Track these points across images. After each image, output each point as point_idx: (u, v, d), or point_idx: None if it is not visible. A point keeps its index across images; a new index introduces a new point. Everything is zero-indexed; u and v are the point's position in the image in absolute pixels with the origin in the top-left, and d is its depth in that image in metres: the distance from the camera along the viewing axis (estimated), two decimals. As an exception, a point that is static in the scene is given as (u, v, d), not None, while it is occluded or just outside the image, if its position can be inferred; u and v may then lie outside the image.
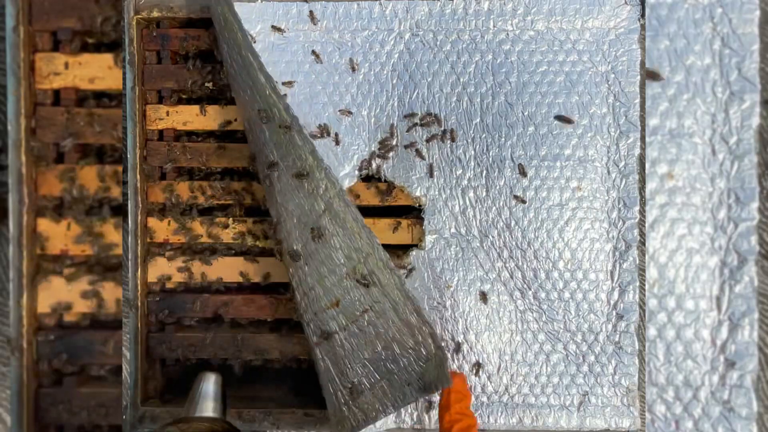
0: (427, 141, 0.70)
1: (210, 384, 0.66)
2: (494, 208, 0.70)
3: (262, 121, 0.69)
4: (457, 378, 0.64)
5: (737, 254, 0.68)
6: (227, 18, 0.69)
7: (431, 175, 0.70)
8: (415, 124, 0.70)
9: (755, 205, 0.68)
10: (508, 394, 0.69)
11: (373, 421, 0.67)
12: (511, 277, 0.69)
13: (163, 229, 0.74)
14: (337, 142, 0.70)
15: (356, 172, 0.71)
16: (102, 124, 0.71)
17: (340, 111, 0.71)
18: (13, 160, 0.69)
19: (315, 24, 0.70)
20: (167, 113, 0.74)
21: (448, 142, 0.70)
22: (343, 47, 0.70)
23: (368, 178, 0.72)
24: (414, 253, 0.71)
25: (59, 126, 0.71)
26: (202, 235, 0.74)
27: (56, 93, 0.72)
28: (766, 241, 0.68)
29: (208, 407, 0.64)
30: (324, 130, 0.71)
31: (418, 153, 0.70)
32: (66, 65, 0.71)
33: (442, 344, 0.68)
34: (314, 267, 0.69)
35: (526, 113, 0.70)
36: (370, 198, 0.72)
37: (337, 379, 0.69)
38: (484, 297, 0.69)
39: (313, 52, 0.71)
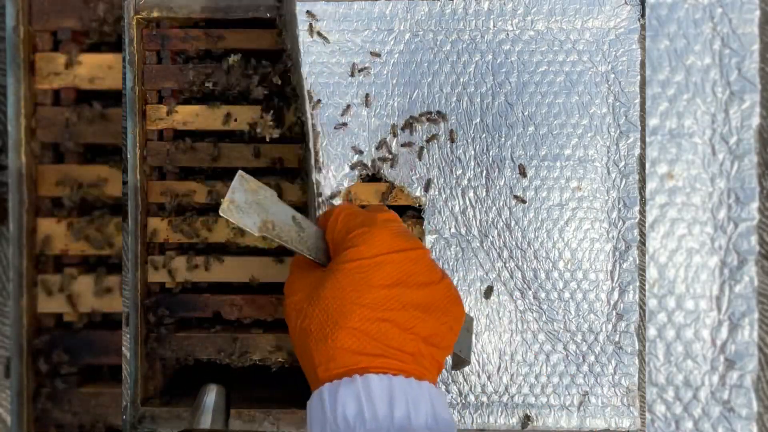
0: (427, 141, 0.70)
1: (212, 396, 0.66)
2: (494, 208, 0.70)
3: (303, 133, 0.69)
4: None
5: (737, 254, 0.68)
6: (292, 21, 0.68)
7: (426, 190, 0.70)
8: (411, 124, 0.70)
9: (755, 205, 0.68)
10: (508, 394, 0.69)
11: None
12: (511, 277, 0.69)
13: (163, 229, 0.74)
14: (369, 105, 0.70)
15: (356, 173, 0.71)
16: (102, 124, 0.71)
17: (340, 114, 0.70)
18: (13, 160, 0.69)
19: (316, 21, 0.70)
20: (167, 113, 0.74)
21: (448, 142, 0.70)
22: (343, 47, 0.70)
23: (368, 178, 0.72)
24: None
25: (59, 126, 0.71)
26: (202, 235, 0.74)
27: (56, 93, 0.73)
28: (766, 241, 0.68)
29: (207, 420, 0.64)
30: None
31: (419, 153, 0.70)
32: (66, 65, 0.71)
33: None
34: None
35: (526, 113, 0.70)
36: (371, 198, 0.72)
37: None
38: (489, 291, 0.69)
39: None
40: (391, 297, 0.47)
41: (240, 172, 0.48)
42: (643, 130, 0.69)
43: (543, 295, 0.69)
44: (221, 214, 0.47)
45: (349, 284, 0.47)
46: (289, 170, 0.76)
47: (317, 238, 0.52)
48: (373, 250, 0.48)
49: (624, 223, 0.69)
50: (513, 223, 0.69)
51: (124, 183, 0.71)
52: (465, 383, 0.69)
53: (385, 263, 0.47)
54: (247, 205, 0.48)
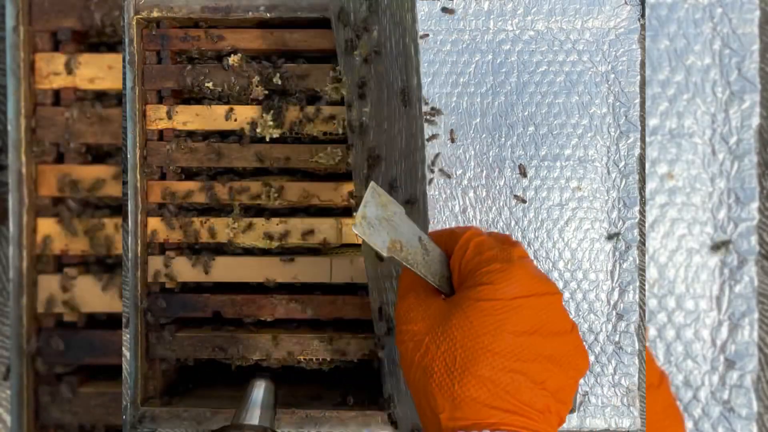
0: (428, 140, 0.70)
1: (260, 391, 0.64)
2: (494, 208, 0.70)
3: (404, 104, 0.64)
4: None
5: (737, 254, 0.68)
6: (406, 5, 0.64)
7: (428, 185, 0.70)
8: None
9: (755, 205, 0.68)
10: (508, 394, 0.69)
11: None
12: (511, 277, 0.69)
13: (163, 229, 0.74)
14: None
15: (356, 172, 0.71)
16: (102, 124, 0.71)
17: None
18: (13, 160, 0.69)
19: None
20: (167, 113, 0.74)
21: (448, 142, 0.70)
22: (343, 47, 0.70)
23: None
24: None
25: (59, 126, 0.71)
26: (202, 235, 0.74)
27: (56, 93, 0.72)
28: (766, 241, 0.68)
29: (254, 415, 0.63)
30: None
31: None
32: (66, 65, 0.71)
33: None
34: None
35: (526, 113, 0.70)
36: (370, 198, 0.72)
37: None
38: None
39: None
40: (525, 346, 0.43)
41: (372, 184, 0.45)
42: (643, 130, 0.69)
43: (543, 295, 0.69)
44: (354, 230, 0.43)
45: (482, 327, 0.43)
46: (288, 170, 0.76)
47: (441, 263, 0.48)
48: (511, 291, 0.43)
49: (624, 223, 0.69)
50: (513, 223, 0.69)
51: (124, 183, 0.71)
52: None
53: (523, 308, 0.43)
54: (378, 222, 0.44)
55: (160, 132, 0.74)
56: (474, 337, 0.43)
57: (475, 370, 0.42)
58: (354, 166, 0.70)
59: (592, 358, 0.69)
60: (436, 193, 0.70)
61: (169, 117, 0.74)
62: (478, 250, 0.47)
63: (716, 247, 0.66)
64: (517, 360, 0.43)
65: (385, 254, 0.45)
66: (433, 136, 0.70)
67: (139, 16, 0.72)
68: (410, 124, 0.63)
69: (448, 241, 0.49)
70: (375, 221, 0.44)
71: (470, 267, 0.46)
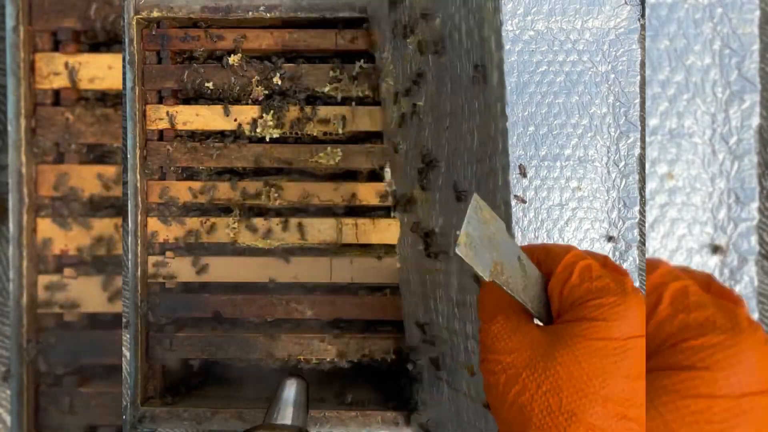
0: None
1: (291, 390, 0.64)
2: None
3: (474, 81, 0.57)
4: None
5: (737, 254, 0.68)
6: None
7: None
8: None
9: (755, 205, 0.68)
10: (508, 394, 0.69)
11: None
12: (511, 277, 0.69)
13: (163, 229, 0.74)
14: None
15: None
16: (102, 124, 0.71)
17: None
18: (13, 160, 0.69)
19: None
20: (167, 113, 0.74)
21: (448, 142, 0.70)
22: (343, 47, 0.70)
23: (369, 178, 0.72)
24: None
25: (59, 126, 0.71)
26: (202, 235, 0.74)
27: (56, 93, 0.72)
28: (766, 241, 0.68)
29: (287, 414, 0.62)
30: None
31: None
32: (66, 65, 0.71)
33: None
34: None
35: (526, 113, 0.70)
36: (370, 198, 0.72)
37: None
38: None
39: None
40: (638, 391, 0.39)
41: (475, 196, 0.40)
42: (643, 130, 0.69)
43: (543, 295, 0.69)
44: (457, 252, 0.38)
45: (592, 369, 0.39)
46: (288, 170, 0.76)
47: (539, 286, 0.43)
48: (628, 330, 0.39)
49: (624, 223, 0.69)
50: (513, 223, 0.69)
51: (124, 183, 0.71)
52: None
53: (638, 348, 0.39)
54: (480, 241, 0.39)
55: (160, 132, 0.74)
56: (583, 380, 0.39)
57: (583, 417, 0.39)
58: (396, 163, 0.67)
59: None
60: (436, 193, 0.70)
61: (170, 117, 0.74)
62: (584, 277, 0.42)
63: (714, 249, 0.66)
64: (631, 406, 0.39)
65: (487, 278, 0.40)
66: (433, 136, 0.70)
67: (139, 16, 0.72)
68: (487, 125, 0.57)
69: (545, 260, 0.45)
70: (478, 241, 0.39)
71: (577, 296, 0.42)
